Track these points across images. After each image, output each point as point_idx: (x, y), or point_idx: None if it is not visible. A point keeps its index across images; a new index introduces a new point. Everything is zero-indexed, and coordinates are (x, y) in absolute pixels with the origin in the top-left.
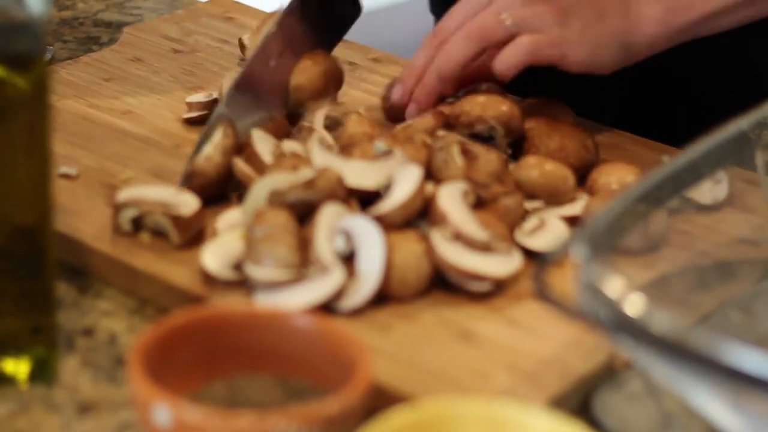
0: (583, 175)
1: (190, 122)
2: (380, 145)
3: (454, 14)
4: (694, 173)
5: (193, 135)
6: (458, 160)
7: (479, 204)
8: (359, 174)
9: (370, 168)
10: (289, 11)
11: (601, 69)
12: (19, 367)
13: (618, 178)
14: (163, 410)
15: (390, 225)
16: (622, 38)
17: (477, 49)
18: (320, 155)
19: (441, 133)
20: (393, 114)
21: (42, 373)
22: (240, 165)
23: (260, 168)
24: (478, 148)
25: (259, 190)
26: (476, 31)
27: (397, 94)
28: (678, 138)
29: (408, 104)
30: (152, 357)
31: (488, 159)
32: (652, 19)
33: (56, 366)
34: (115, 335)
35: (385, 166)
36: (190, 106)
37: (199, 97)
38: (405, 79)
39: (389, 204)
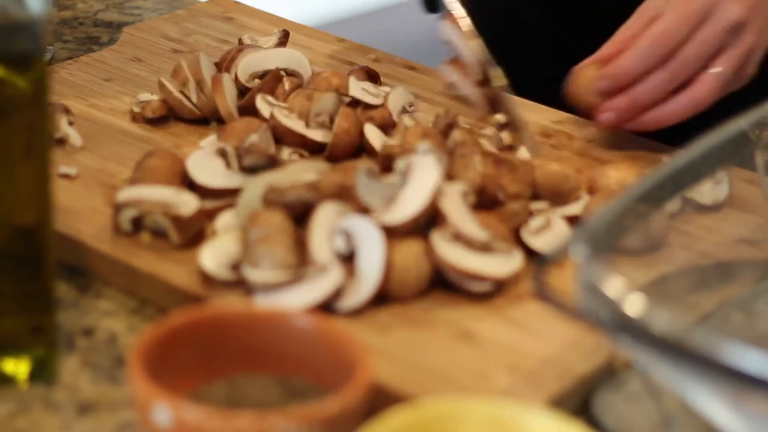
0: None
1: (150, 122)
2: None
3: (683, 26)
4: (694, 173)
5: (194, 136)
6: (479, 166)
7: (484, 206)
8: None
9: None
10: None
11: None
12: (19, 367)
13: (618, 178)
14: (163, 410)
15: (397, 234)
16: None
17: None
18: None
19: (457, 135)
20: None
21: (42, 373)
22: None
23: None
24: (513, 158)
25: (252, 191)
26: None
27: (604, 84)
28: (678, 138)
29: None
30: (152, 357)
31: (526, 169)
32: None
33: (56, 366)
34: (115, 335)
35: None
36: (144, 107)
37: (146, 96)
38: (615, 76)
39: (399, 216)
